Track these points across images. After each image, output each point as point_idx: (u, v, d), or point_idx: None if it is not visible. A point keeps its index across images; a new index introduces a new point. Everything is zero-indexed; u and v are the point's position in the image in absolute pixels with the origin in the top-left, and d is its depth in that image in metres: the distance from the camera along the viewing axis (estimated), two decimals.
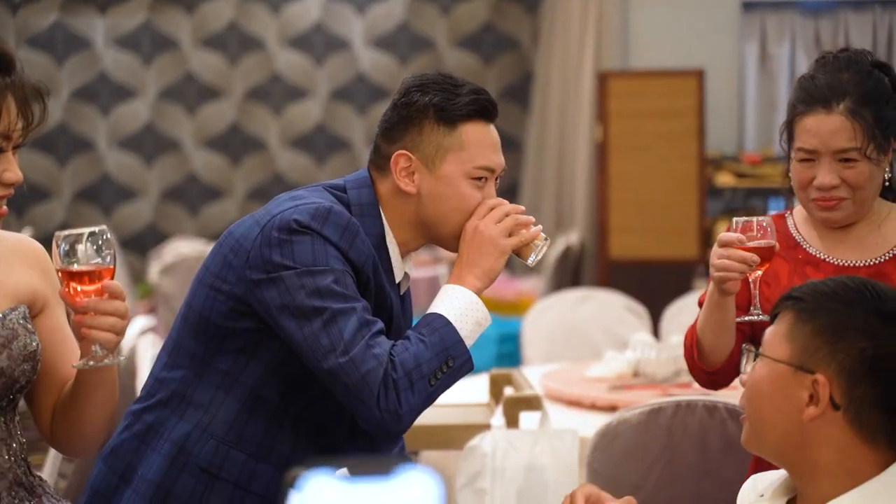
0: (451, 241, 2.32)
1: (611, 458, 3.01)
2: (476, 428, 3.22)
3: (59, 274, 1.93)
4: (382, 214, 2.29)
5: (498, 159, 2.32)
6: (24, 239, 2.11)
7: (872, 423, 1.85)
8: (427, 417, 3.48)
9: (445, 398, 3.99)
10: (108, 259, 1.92)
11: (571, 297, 5.26)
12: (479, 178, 2.29)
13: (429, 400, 2.18)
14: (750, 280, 2.48)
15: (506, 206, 2.30)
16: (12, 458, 2.02)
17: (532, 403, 3.23)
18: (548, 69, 8.59)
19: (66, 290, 1.92)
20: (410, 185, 2.27)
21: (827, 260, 2.59)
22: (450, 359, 2.17)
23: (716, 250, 2.45)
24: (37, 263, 2.08)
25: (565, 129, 8.35)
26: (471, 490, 3.13)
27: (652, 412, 3.00)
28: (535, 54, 9.03)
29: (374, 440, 2.34)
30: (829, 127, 2.49)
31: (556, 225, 8.41)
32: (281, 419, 2.25)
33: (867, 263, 2.57)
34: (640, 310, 5.19)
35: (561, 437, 3.21)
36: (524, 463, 3.15)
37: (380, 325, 2.16)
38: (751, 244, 2.44)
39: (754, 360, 1.95)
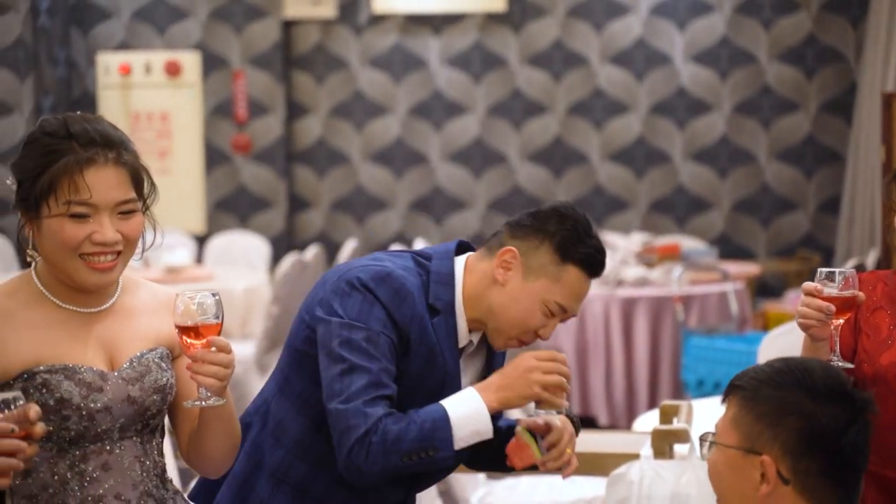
0: (493, 334, 2.61)
1: None
2: (625, 457, 3.46)
3: (176, 328, 2.34)
4: (459, 286, 2.60)
5: (576, 307, 2.60)
6: (173, 294, 2.50)
7: (820, 491, 2.06)
8: (581, 444, 3.77)
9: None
10: (216, 318, 2.33)
11: None
12: (552, 311, 2.58)
13: (397, 471, 2.42)
14: (832, 328, 2.61)
15: (563, 367, 2.51)
16: (144, 474, 2.42)
17: (680, 436, 3.44)
18: (866, 83, 8.50)
19: (181, 341, 2.34)
20: (503, 275, 2.58)
21: None
22: (432, 449, 2.40)
23: (801, 298, 2.62)
24: None
25: (876, 146, 8.26)
26: None
27: None
28: (858, 67, 8.96)
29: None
30: None
31: (861, 243, 8.33)
32: None
33: None
34: None
35: None
36: (670, 492, 3.34)
37: (389, 390, 2.44)
38: (832, 293, 2.59)
39: (710, 447, 2.18)
